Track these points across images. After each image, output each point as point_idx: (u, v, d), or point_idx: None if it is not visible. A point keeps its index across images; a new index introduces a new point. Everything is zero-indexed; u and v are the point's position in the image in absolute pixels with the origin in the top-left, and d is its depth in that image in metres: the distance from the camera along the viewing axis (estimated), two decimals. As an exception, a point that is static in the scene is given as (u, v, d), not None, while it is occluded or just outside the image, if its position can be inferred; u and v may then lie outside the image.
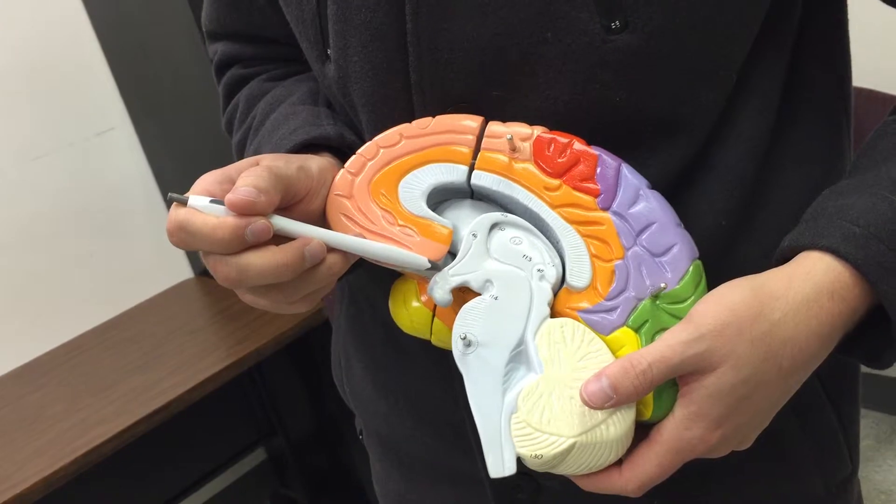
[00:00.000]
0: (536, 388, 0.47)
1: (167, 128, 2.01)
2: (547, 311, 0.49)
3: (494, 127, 0.52)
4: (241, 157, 0.69)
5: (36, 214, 1.94)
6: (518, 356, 0.48)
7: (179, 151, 2.03)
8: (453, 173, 0.52)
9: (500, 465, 0.46)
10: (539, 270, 0.50)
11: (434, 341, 0.54)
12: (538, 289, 0.49)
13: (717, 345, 0.44)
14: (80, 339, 1.97)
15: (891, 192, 0.47)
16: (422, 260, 0.50)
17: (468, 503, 0.69)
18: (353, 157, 0.54)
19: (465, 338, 0.48)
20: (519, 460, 0.47)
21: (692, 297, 0.48)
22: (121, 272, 2.09)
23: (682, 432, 0.46)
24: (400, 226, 0.51)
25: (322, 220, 0.54)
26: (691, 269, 0.48)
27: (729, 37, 0.51)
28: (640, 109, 0.51)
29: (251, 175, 0.48)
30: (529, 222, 0.52)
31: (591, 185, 0.50)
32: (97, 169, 2.05)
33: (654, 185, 0.50)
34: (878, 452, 2.10)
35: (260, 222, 0.47)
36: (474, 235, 0.51)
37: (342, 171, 0.54)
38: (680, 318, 0.47)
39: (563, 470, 0.48)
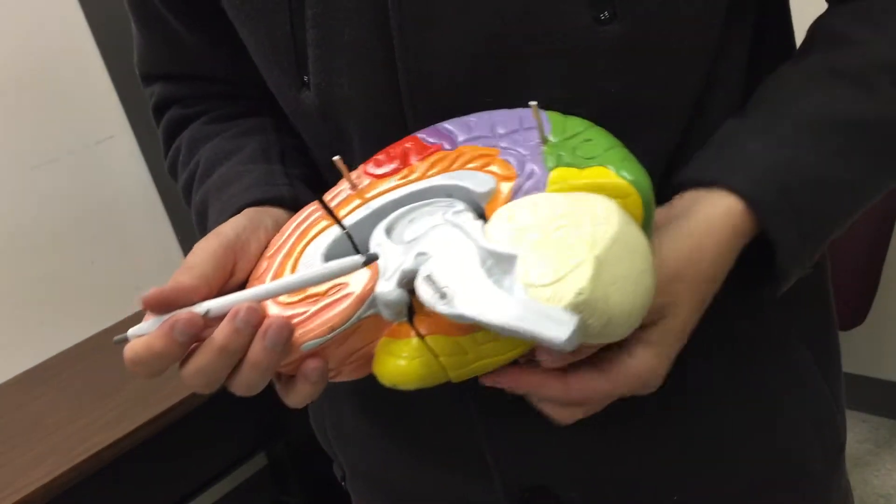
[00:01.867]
0: (526, 263, 0.42)
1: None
2: (480, 223, 0.46)
3: (328, 194, 0.54)
4: (187, 199, 0.67)
5: (37, 222, 1.95)
6: (494, 269, 0.44)
7: (179, 159, 2.03)
8: (330, 235, 0.52)
9: (559, 327, 0.39)
10: (445, 214, 0.48)
11: (448, 366, 0.46)
12: (461, 219, 0.47)
13: (669, 295, 0.48)
14: (80, 346, 1.98)
15: (786, 142, 0.51)
16: (354, 260, 0.48)
17: None
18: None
19: (430, 278, 0.44)
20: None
21: (565, 122, 0.49)
22: (121, 279, 2.09)
23: (648, 361, 0.48)
24: (326, 294, 0.48)
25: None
26: (548, 113, 0.49)
27: (706, 22, 0.52)
28: (633, 98, 0.52)
29: (173, 280, 0.48)
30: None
31: (430, 148, 0.52)
32: (98, 177, 2.05)
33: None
34: (877, 457, 2.10)
35: (182, 314, 0.45)
36: (378, 245, 0.49)
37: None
38: (575, 136, 0.47)
39: (623, 302, 0.42)
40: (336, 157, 0.51)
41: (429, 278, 0.44)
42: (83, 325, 2.01)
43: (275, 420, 2.12)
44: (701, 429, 0.62)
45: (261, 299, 0.47)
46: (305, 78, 0.56)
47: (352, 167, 0.56)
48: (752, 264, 0.52)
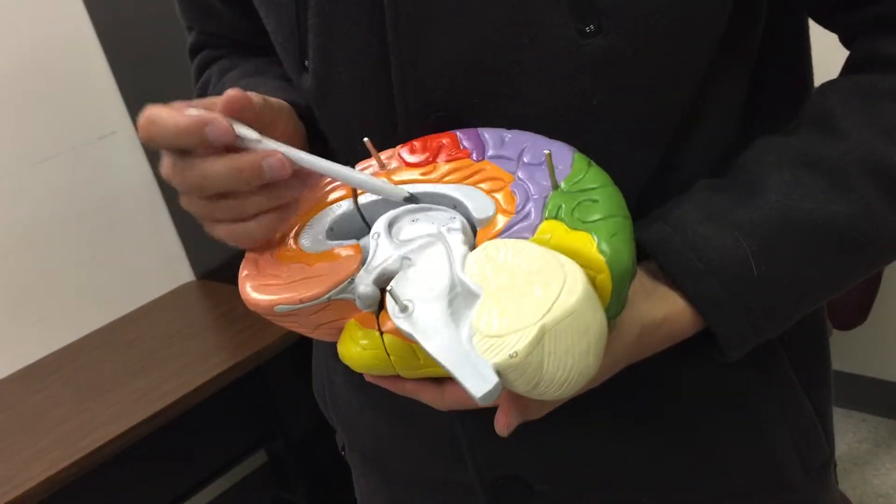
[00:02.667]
0: (484, 306, 0.44)
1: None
2: (465, 248, 0.48)
3: (358, 165, 0.57)
4: None
5: (38, 218, 1.95)
6: (458, 300, 0.46)
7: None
8: (343, 206, 0.55)
9: (479, 382, 0.42)
10: (445, 227, 0.50)
11: (397, 365, 0.50)
12: (452, 238, 0.49)
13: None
14: (81, 342, 1.98)
15: (745, 237, 0.51)
16: (399, 192, 0.51)
17: None
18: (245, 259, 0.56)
19: (392, 294, 0.47)
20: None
21: (585, 174, 0.49)
22: (122, 275, 2.09)
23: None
24: (312, 267, 0.52)
25: None
26: (575, 157, 0.50)
27: (697, 39, 0.52)
28: (618, 111, 0.52)
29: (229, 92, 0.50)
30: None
31: (460, 153, 0.54)
32: (99, 172, 2.05)
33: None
34: (875, 456, 2.10)
35: (221, 121, 0.47)
36: (377, 235, 0.51)
37: (245, 258, 0.56)
38: (585, 191, 0.48)
39: (556, 374, 0.44)
40: (366, 139, 0.54)
41: (393, 291, 0.47)
42: (84, 321, 2.02)
43: (275, 417, 2.12)
44: (677, 432, 0.62)
45: (297, 163, 0.50)
46: (306, 62, 0.58)
47: (341, 155, 0.59)
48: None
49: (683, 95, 0.54)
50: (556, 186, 0.49)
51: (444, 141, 0.55)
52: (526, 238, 0.48)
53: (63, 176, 1.99)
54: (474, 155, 0.53)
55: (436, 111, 0.54)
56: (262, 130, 0.52)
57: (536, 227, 0.48)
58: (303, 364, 2.04)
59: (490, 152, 0.53)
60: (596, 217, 0.47)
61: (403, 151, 0.56)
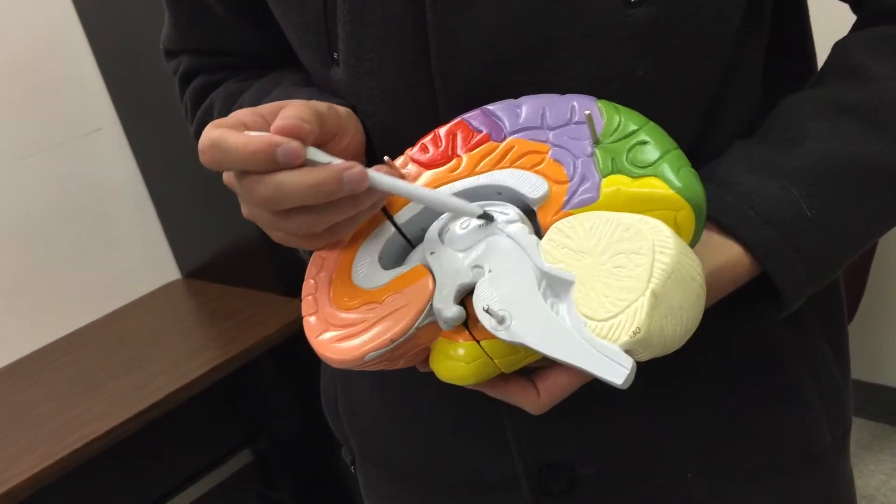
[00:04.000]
0: (582, 291, 0.43)
1: (155, 128, 2.01)
2: (535, 238, 0.47)
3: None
4: None
5: (24, 215, 1.94)
6: (549, 292, 0.45)
7: (168, 152, 2.03)
8: (383, 232, 0.53)
9: (616, 369, 0.40)
10: (499, 222, 0.48)
11: (502, 366, 0.48)
12: (515, 232, 0.47)
13: None
14: (68, 339, 1.97)
15: (792, 183, 0.51)
16: (472, 207, 0.48)
17: None
18: (303, 302, 0.54)
19: (488, 310, 0.45)
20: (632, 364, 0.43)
21: (620, 118, 0.48)
22: (109, 272, 2.08)
23: None
24: (382, 303, 0.50)
25: (347, 158, 0.54)
26: (599, 104, 0.49)
27: (728, 10, 0.53)
28: (661, 81, 0.53)
29: (293, 107, 0.48)
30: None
31: (477, 137, 0.52)
32: (86, 169, 2.04)
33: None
34: (858, 458, 2.12)
35: (293, 143, 0.45)
36: (432, 253, 0.50)
37: (304, 321, 0.53)
38: (629, 136, 0.47)
39: (676, 331, 0.43)
40: (386, 158, 0.53)
41: (488, 308, 0.45)
42: (70, 317, 2.01)
43: (261, 416, 2.12)
44: (715, 405, 0.63)
45: (369, 183, 0.47)
46: (335, 55, 0.57)
47: (378, 146, 0.56)
48: (761, 285, 0.53)
49: (719, 63, 0.55)
50: (597, 141, 0.48)
51: (455, 131, 0.53)
52: (593, 201, 0.47)
53: (49, 172, 1.97)
54: (494, 135, 0.51)
55: (477, 89, 0.53)
56: (329, 141, 0.52)
57: (598, 187, 0.47)
58: (290, 363, 2.05)
59: (510, 128, 0.51)
60: (655, 156, 0.46)
61: (415, 152, 0.54)
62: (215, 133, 0.46)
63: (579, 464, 0.64)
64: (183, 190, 2.04)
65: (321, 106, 0.51)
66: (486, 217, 0.48)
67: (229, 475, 2.26)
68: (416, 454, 0.70)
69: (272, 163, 0.45)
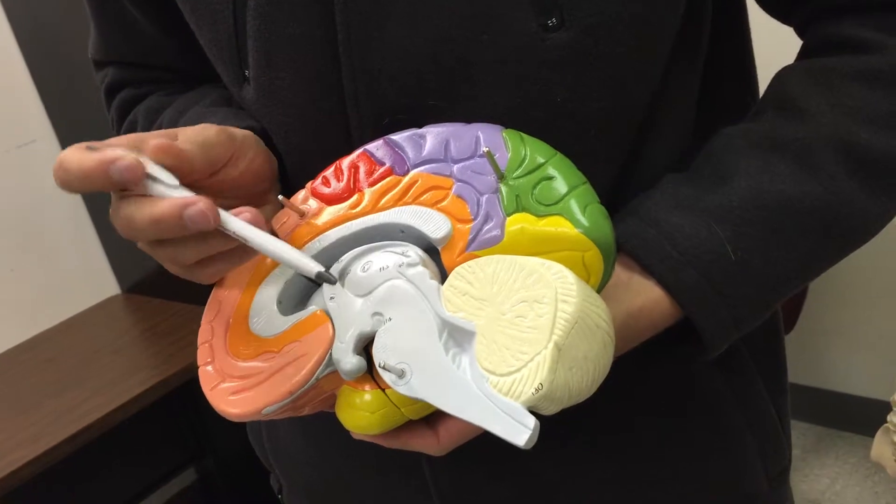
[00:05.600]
0: (482, 343, 0.41)
1: (92, 139, 1.94)
2: (436, 284, 0.45)
3: (279, 219, 0.53)
4: None
5: (-48, 229, 1.87)
6: (450, 342, 0.44)
7: (105, 165, 1.98)
8: (283, 272, 0.51)
9: (518, 429, 0.38)
10: (400, 265, 0.46)
11: (409, 414, 0.47)
12: (415, 276, 0.46)
13: None
14: (0, 358, 1.90)
15: (717, 223, 0.49)
16: (311, 266, 0.47)
17: None
18: (199, 350, 0.52)
19: (384, 366, 0.43)
20: (533, 411, 0.41)
21: (525, 151, 0.46)
22: (43, 289, 2.02)
23: None
24: (280, 352, 0.48)
25: (247, 183, 0.52)
26: (505, 136, 0.47)
27: (657, 33, 0.51)
28: (582, 108, 0.51)
29: (179, 133, 0.47)
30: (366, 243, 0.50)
31: (379, 171, 0.50)
32: (19, 182, 1.99)
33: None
34: (804, 462, 2.15)
35: (128, 158, 0.42)
36: (332, 298, 0.48)
37: (200, 371, 0.51)
38: (535, 170, 0.45)
39: (582, 383, 0.41)
40: (280, 197, 0.51)
41: (383, 363, 0.43)
42: (3, 336, 1.94)
43: (204, 434, 2.07)
44: (642, 451, 0.61)
45: (229, 228, 0.45)
46: (246, 72, 0.55)
47: (290, 170, 0.54)
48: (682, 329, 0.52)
49: (645, 91, 0.53)
50: (502, 177, 0.46)
51: (358, 163, 0.51)
52: (497, 241, 0.45)
53: (-21, 185, 1.92)
54: (397, 168, 0.49)
55: (391, 114, 0.51)
56: (221, 169, 0.49)
57: (503, 226, 0.45)
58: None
59: (413, 160, 0.49)
60: (561, 193, 0.44)
61: (318, 185, 0.52)
62: (63, 154, 0.43)
63: None
64: (120, 203, 1.99)
65: (208, 132, 0.48)
66: (326, 279, 0.47)
67: (172, 495, 2.22)
68: (341, 490, 0.68)
69: (111, 183, 0.43)
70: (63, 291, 2.06)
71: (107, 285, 2.14)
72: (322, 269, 0.47)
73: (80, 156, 0.43)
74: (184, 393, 1.93)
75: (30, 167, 2.01)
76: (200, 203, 0.43)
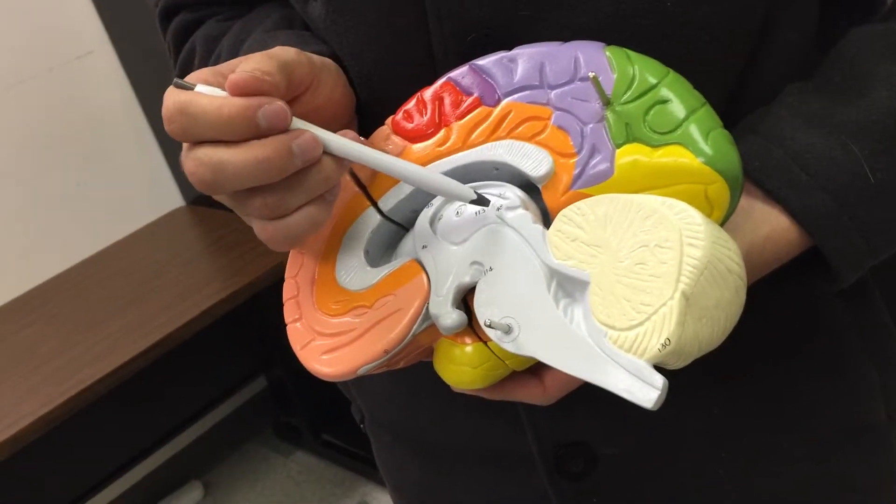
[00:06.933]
0: (597, 295, 0.38)
1: (150, 49, 1.93)
2: (540, 228, 0.41)
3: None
4: None
5: (15, 144, 1.87)
6: (560, 291, 0.40)
7: (163, 74, 1.94)
8: (366, 221, 0.47)
9: (644, 391, 0.35)
10: (498, 208, 0.42)
11: (514, 366, 0.44)
12: (515, 219, 0.42)
13: None
14: (69, 273, 1.92)
15: (854, 140, 0.44)
16: (463, 190, 0.42)
17: (512, 481, 0.63)
18: (285, 306, 0.49)
19: (489, 324, 0.40)
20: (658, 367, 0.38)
21: (633, 70, 0.41)
22: (109, 202, 2.03)
23: None
24: (372, 307, 0.45)
25: (326, 117, 0.47)
26: (608, 53, 0.41)
27: None
28: (690, 15, 0.45)
29: (251, 61, 0.40)
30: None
31: (467, 102, 0.45)
32: (78, 94, 1.97)
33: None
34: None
35: (276, 104, 0.38)
36: (424, 247, 0.44)
37: (288, 329, 0.48)
38: (647, 93, 0.40)
39: (714, 334, 0.38)
40: (351, 133, 0.45)
41: (489, 320, 0.40)
42: (71, 251, 1.96)
43: (273, 343, 2.09)
44: (754, 383, 0.57)
45: (347, 155, 0.41)
46: None
47: (364, 101, 0.50)
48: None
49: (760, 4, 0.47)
50: (608, 103, 0.41)
51: (442, 94, 0.46)
52: (606, 177, 0.40)
53: (39, 100, 1.90)
54: (486, 98, 0.44)
55: (476, 28, 0.46)
56: (300, 95, 0.44)
57: (612, 159, 0.40)
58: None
59: (504, 87, 0.44)
60: (679, 118, 0.39)
61: (400, 119, 0.47)
62: (182, 97, 0.38)
63: (599, 444, 0.59)
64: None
65: (287, 53, 0.43)
66: (482, 201, 0.42)
67: (244, 402, 2.26)
68: (428, 424, 0.66)
69: (251, 129, 0.38)
70: (127, 205, 2.06)
71: (171, 197, 2.14)
72: (474, 192, 0.42)
73: (215, 100, 0.38)
74: (252, 305, 1.95)
75: (88, 80, 1.99)
76: (308, 132, 0.39)
